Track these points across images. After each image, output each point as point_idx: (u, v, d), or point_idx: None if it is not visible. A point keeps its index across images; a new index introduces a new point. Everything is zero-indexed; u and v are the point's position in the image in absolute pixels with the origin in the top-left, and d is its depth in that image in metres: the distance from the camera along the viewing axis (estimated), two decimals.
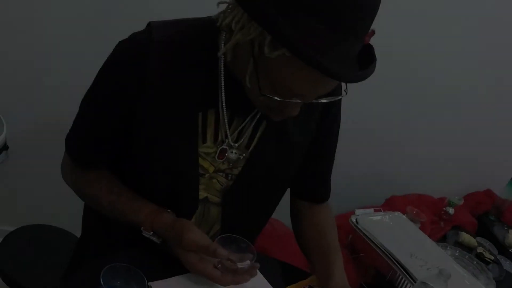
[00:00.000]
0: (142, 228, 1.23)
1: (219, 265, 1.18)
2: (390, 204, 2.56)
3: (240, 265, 1.18)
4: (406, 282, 1.83)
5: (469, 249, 2.53)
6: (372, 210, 2.20)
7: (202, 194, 1.31)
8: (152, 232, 1.22)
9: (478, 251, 2.52)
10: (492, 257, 2.51)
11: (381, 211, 2.23)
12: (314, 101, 1.08)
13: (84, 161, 1.35)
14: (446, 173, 3.05)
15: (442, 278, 1.31)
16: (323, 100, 1.10)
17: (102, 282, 1.04)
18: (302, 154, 1.40)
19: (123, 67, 1.18)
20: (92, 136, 1.30)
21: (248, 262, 1.19)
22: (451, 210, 2.69)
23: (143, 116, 1.20)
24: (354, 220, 2.06)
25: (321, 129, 1.39)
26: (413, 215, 2.40)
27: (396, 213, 2.26)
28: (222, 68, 1.18)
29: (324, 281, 1.31)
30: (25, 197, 2.42)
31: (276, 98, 1.03)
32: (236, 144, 1.28)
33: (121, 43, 1.20)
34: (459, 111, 2.87)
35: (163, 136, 1.21)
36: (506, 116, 3.01)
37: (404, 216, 2.27)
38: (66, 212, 1.86)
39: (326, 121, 1.39)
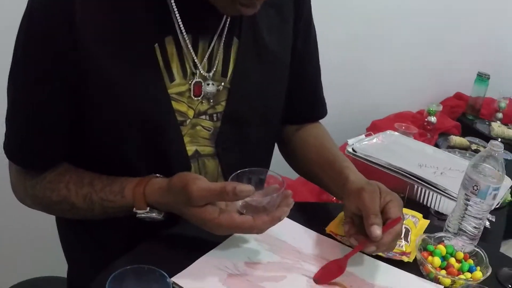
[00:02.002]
0: (134, 208, 0.99)
1: (245, 210, 0.95)
2: (373, 130, 2.41)
3: (269, 198, 0.96)
4: (425, 191, 1.76)
5: (464, 150, 2.43)
6: (363, 136, 2.06)
7: (190, 148, 1.09)
8: (148, 208, 0.99)
9: (473, 148, 2.45)
10: None
11: (372, 134, 2.09)
12: None
13: (36, 163, 1.06)
14: (414, 86, 2.97)
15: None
16: None
17: None
18: (287, 68, 1.20)
19: (45, 17, 0.94)
20: (36, 126, 1.02)
21: (278, 192, 0.97)
22: (433, 119, 2.62)
23: (89, 68, 0.96)
24: (351, 149, 1.92)
25: (298, 33, 1.21)
26: (404, 130, 2.29)
27: (388, 132, 2.16)
28: None
29: (341, 188, 1.11)
30: None
31: None
32: (210, 74, 1.07)
33: None
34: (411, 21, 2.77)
35: (121, 86, 0.99)
36: (455, 18, 2.96)
37: (396, 133, 2.16)
38: (43, 254, 1.59)
39: (301, 24, 1.21)
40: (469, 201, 1.16)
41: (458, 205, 1.19)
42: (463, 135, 2.68)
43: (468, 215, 1.16)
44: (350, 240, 1.03)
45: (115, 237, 1.13)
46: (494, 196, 1.15)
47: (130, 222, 1.02)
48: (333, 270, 1.01)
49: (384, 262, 1.07)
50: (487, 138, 2.67)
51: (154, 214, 1.00)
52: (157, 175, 1.03)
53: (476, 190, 1.14)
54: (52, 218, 1.26)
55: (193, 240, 1.05)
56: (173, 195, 0.96)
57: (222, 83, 1.09)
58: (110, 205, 1.02)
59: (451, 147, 2.45)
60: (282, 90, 1.21)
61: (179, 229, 1.07)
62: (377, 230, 0.97)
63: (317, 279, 0.99)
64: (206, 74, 1.07)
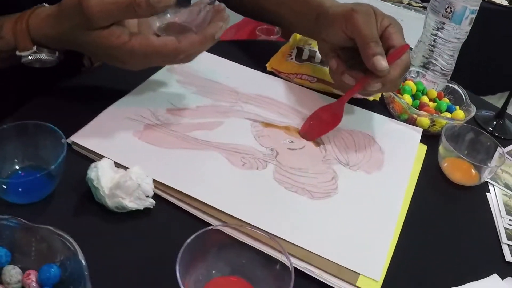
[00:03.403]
0: (17, 51, 0.71)
1: (164, 32, 0.69)
2: None
3: (195, 11, 0.69)
4: None
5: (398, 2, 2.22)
6: None
7: None
8: (35, 47, 0.71)
9: (405, 2, 2.22)
10: (421, 4, 2.23)
11: None
12: None
13: None
14: None
15: None
16: None
17: None
18: None
19: None
20: None
21: (206, 2, 0.69)
22: None
23: None
24: None
25: None
26: None
27: None
28: None
29: (314, 19, 0.84)
30: None
31: None
32: None
33: None
34: None
35: None
36: None
37: None
38: None
39: None
40: (441, 28, 0.92)
41: (425, 36, 0.95)
42: None
43: (440, 44, 0.93)
44: (344, 78, 0.76)
45: None
46: (471, 21, 0.91)
47: (14, 76, 0.79)
48: (325, 121, 0.76)
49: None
50: None
51: (43, 55, 0.71)
52: (44, 4, 0.72)
53: (450, 13, 0.90)
54: None
55: (99, 91, 0.78)
56: (65, 19, 0.66)
57: None
58: None
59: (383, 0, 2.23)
60: None
61: (81, 78, 0.81)
62: (382, 61, 0.71)
63: (305, 133, 0.74)
64: None
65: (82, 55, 0.86)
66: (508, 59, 2.35)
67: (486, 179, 0.76)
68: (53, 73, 0.75)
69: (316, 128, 0.75)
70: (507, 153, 0.84)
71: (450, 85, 0.91)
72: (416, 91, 0.88)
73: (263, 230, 0.55)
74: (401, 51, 0.73)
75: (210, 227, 0.52)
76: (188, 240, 0.50)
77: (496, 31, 2.26)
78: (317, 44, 0.84)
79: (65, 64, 0.74)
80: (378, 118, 0.81)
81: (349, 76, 0.75)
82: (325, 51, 0.81)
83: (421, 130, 0.80)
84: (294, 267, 0.51)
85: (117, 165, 0.62)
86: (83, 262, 0.47)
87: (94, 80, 0.80)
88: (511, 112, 0.96)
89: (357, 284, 0.55)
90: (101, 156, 0.63)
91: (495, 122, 0.92)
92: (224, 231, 0.53)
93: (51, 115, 0.65)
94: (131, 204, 0.58)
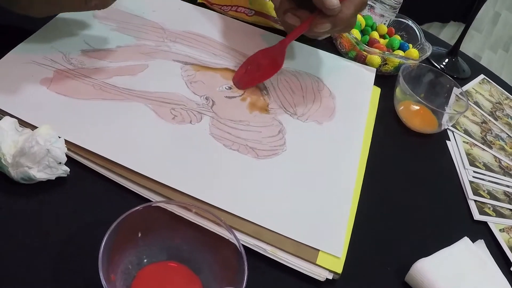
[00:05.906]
0: None
1: None
2: None
3: None
4: None
5: None
6: None
7: None
8: None
9: None
10: None
11: None
12: None
13: None
14: None
15: None
16: None
17: None
18: None
19: None
20: None
21: None
22: None
23: None
24: None
25: None
26: None
27: None
28: None
29: None
30: None
31: None
32: None
33: None
34: None
35: None
36: None
37: None
38: None
39: None
40: None
41: None
42: None
43: None
44: (286, 18, 0.63)
45: None
46: None
47: None
48: (263, 67, 0.63)
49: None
50: None
51: None
52: None
53: None
54: None
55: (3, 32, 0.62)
56: None
57: None
58: None
59: None
60: None
61: None
62: None
63: (239, 81, 0.62)
64: None
65: None
66: None
67: (446, 127, 0.68)
68: None
69: (251, 75, 0.63)
70: (460, 94, 0.76)
71: (403, 20, 0.82)
72: (365, 26, 0.79)
73: (202, 201, 0.45)
74: None
75: (147, 204, 0.41)
76: (114, 225, 0.39)
77: None
78: None
79: None
80: (325, 56, 0.71)
81: (292, 15, 0.62)
82: None
83: (374, 70, 0.71)
84: (244, 246, 0.42)
85: (22, 123, 0.50)
86: None
87: None
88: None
89: (317, 263, 0.46)
90: (1, 114, 0.50)
91: (447, 60, 0.84)
92: (166, 208, 0.42)
93: None
94: (40, 174, 0.46)
